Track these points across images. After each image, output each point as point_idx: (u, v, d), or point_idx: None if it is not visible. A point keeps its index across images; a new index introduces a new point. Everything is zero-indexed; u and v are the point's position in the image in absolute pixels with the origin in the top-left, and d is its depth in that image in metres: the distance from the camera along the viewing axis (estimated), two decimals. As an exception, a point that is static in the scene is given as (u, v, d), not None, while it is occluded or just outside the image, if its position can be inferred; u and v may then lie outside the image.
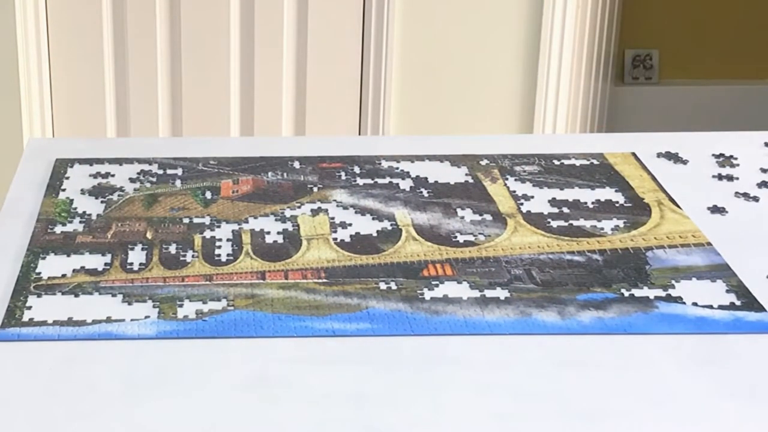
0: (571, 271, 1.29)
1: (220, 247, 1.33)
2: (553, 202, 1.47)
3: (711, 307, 1.22)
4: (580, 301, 1.23)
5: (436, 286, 1.26)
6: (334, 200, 1.46)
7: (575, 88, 3.07)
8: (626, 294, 1.25)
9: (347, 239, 1.36)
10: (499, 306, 1.22)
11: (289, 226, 1.39)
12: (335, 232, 1.38)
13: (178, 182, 1.51)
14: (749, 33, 3.65)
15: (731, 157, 1.63)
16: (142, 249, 1.32)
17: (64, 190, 1.47)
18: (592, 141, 1.58)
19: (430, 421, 1.04)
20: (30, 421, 1.02)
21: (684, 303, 1.23)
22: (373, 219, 1.41)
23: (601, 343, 1.16)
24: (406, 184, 1.52)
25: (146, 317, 1.18)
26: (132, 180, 1.51)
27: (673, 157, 1.62)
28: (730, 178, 1.56)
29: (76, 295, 1.22)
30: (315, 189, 1.49)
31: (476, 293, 1.24)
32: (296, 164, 1.57)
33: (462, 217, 1.42)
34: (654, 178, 1.55)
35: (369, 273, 1.28)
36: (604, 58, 3.50)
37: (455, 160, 1.59)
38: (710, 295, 1.25)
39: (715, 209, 1.46)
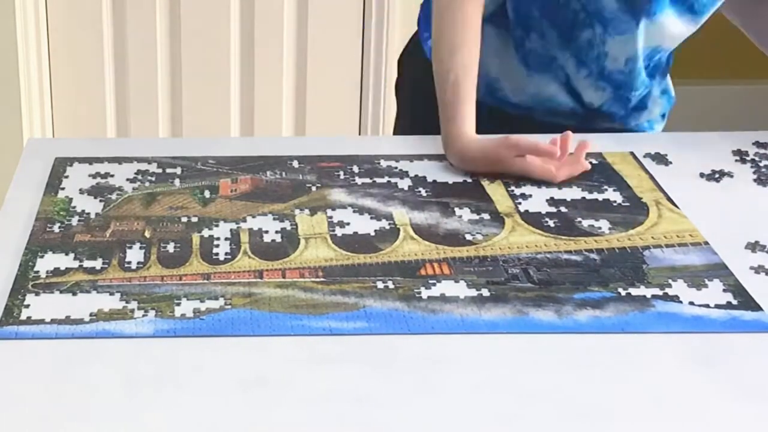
0: (569, 270, 1.29)
1: (218, 246, 1.34)
2: (551, 201, 1.47)
3: (708, 306, 1.23)
4: (578, 300, 1.23)
5: (434, 284, 1.26)
6: (333, 199, 1.46)
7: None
8: (623, 293, 1.25)
9: (345, 238, 1.36)
10: (496, 305, 1.22)
11: (287, 225, 1.39)
12: (333, 231, 1.38)
13: (177, 181, 1.51)
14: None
15: (729, 157, 1.63)
16: (141, 248, 1.32)
17: (63, 189, 1.48)
18: (591, 141, 1.58)
19: (426, 419, 1.04)
20: (28, 419, 1.02)
21: (681, 302, 1.23)
22: (371, 218, 1.42)
23: (598, 342, 1.17)
24: (404, 184, 1.52)
25: (144, 316, 1.18)
26: (131, 179, 1.51)
27: (663, 159, 1.61)
28: (729, 177, 1.56)
29: (74, 294, 1.22)
30: (313, 188, 1.50)
31: (473, 292, 1.24)
32: (295, 163, 1.57)
33: (460, 217, 1.42)
34: (652, 178, 1.55)
35: (366, 272, 1.28)
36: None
37: (453, 160, 1.59)
38: (707, 294, 1.25)
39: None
